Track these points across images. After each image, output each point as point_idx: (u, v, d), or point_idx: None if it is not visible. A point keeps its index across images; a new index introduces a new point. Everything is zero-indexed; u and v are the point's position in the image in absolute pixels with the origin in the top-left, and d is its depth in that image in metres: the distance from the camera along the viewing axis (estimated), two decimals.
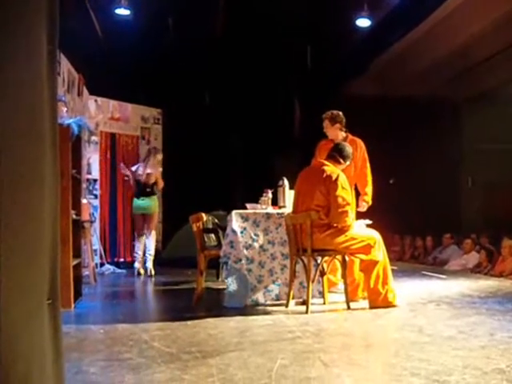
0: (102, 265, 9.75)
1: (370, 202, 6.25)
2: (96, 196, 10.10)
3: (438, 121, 12.76)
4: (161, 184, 9.40)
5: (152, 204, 9.26)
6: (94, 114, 10.17)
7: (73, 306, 5.63)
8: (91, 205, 9.53)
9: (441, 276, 8.22)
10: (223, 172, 10.94)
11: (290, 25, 10.31)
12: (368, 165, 6.30)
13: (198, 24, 10.01)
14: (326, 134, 6.26)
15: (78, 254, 6.17)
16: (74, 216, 5.93)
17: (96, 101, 10.29)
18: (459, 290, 6.61)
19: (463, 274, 8.77)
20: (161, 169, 9.71)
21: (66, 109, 6.35)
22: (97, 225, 9.87)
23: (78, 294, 6.06)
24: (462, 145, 13.91)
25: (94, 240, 9.14)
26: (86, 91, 9.82)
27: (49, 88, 1.69)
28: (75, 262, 5.87)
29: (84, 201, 7.80)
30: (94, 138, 10.02)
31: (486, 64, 11.11)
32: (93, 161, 10.04)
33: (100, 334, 4.47)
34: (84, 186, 9.08)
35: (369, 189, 6.24)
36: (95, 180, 10.10)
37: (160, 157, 9.67)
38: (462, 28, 9.75)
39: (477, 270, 9.03)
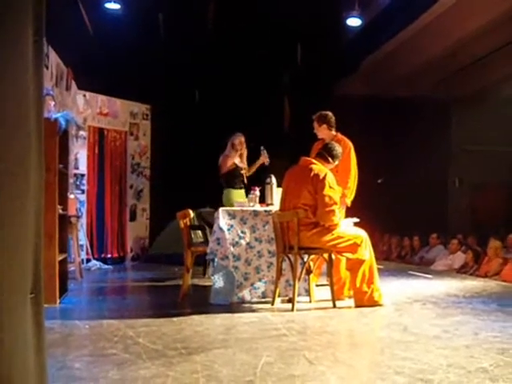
0: (88, 260, 9.71)
1: (349, 204, 6.06)
2: (83, 191, 10.06)
3: (427, 121, 12.82)
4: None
5: None
6: (82, 109, 10.12)
7: (58, 301, 5.60)
8: (78, 200, 9.49)
9: (427, 276, 8.26)
10: (211, 169, 10.91)
11: (280, 22, 10.31)
12: (352, 166, 6.08)
13: (188, 20, 9.98)
14: (317, 135, 6.26)
15: (64, 249, 6.13)
16: (61, 211, 5.89)
17: (84, 95, 10.24)
18: (445, 290, 6.64)
19: (449, 273, 8.82)
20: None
21: (53, 103, 6.30)
22: (84, 220, 9.83)
23: (63, 289, 6.03)
24: (451, 146, 14.00)
25: (80, 235, 9.09)
26: (74, 85, 9.77)
27: (35, 80, 1.67)
28: (61, 258, 5.84)
29: (71, 196, 7.76)
30: (81, 132, 9.97)
31: (475, 65, 11.17)
32: (80, 156, 10.00)
33: (85, 330, 4.45)
34: (71, 180, 9.04)
35: (349, 191, 6.02)
36: (83, 175, 10.06)
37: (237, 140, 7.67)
38: (452, 29, 9.79)
39: (462, 271, 9.08)
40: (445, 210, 14.03)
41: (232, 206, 6.59)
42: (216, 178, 7.68)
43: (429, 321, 4.71)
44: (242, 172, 7.50)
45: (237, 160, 7.50)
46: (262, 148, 7.27)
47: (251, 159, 7.54)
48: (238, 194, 7.27)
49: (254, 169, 7.57)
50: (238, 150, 7.51)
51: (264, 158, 7.26)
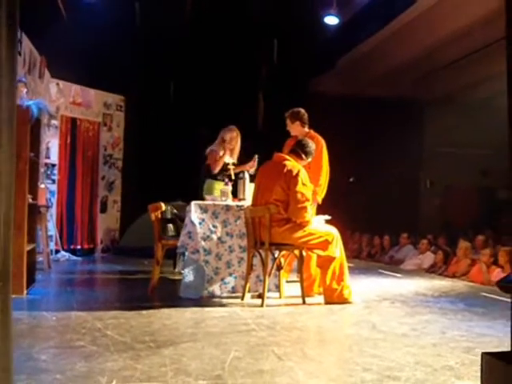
0: (57, 251, 9.59)
1: (320, 202, 6.06)
2: (54, 181, 9.93)
3: (400, 122, 12.93)
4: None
5: None
6: (54, 98, 9.97)
7: (25, 292, 5.52)
8: (48, 190, 9.37)
9: (396, 275, 8.34)
10: (184, 162, 10.88)
11: (257, 19, 10.30)
12: (324, 163, 6.06)
13: (164, 11, 9.91)
14: (290, 132, 6.25)
15: (32, 239, 6.03)
16: (30, 200, 5.80)
17: (58, 84, 10.10)
18: (413, 289, 6.70)
19: (418, 273, 8.91)
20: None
21: (25, 90, 6.19)
22: (54, 210, 9.71)
23: (31, 280, 5.93)
24: (423, 147, 14.16)
25: (50, 226, 8.97)
26: (47, 73, 9.62)
27: (8, 66, 1.64)
28: (29, 248, 5.75)
29: (41, 185, 7.66)
30: (54, 121, 9.83)
31: (449, 68, 11.30)
32: (52, 145, 9.86)
33: (52, 321, 4.39)
34: (42, 170, 8.92)
35: (320, 188, 6.01)
36: (54, 165, 9.92)
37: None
38: (428, 31, 9.88)
39: (431, 270, 9.19)
40: (416, 210, 14.19)
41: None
42: (190, 172, 7.64)
43: (397, 319, 4.75)
44: (229, 167, 6.96)
45: (226, 158, 7.00)
46: (256, 156, 6.72)
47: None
48: (220, 187, 6.58)
49: (237, 170, 6.93)
50: (226, 149, 6.96)
51: (251, 166, 6.66)
